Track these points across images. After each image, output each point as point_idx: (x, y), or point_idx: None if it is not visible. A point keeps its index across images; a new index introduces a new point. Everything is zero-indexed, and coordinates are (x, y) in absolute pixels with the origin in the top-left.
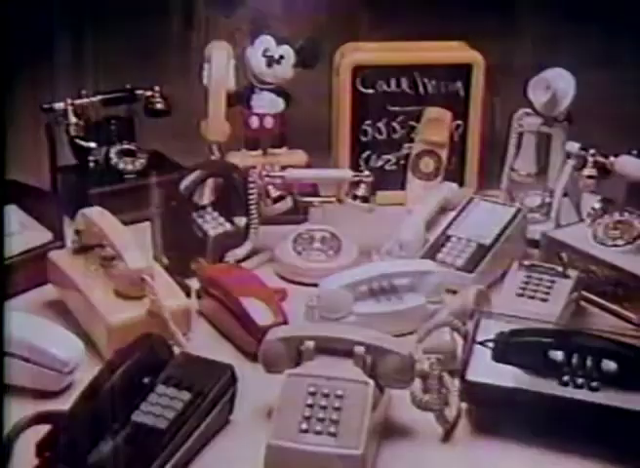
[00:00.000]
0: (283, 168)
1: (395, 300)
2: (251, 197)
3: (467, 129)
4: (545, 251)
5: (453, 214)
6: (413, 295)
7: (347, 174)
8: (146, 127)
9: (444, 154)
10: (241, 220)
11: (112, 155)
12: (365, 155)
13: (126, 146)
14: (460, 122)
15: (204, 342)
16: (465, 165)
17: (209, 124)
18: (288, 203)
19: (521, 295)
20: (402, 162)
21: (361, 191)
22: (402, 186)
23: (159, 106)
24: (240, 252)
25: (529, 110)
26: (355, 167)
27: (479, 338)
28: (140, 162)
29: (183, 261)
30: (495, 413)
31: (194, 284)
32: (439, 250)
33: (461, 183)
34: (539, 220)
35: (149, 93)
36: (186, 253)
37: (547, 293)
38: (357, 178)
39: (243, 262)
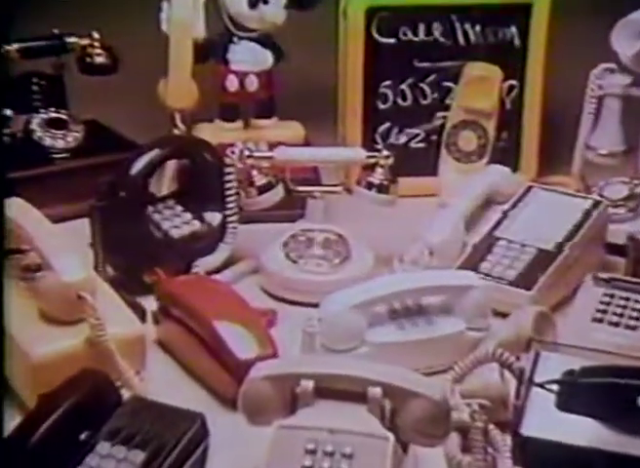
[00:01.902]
0: (272, 145)
1: (424, 326)
2: (228, 185)
3: (524, 92)
4: (634, 259)
5: (503, 208)
6: (448, 319)
7: (359, 154)
8: (82, 88)
9: (491, 126)
10: (214, 217)
11: (35, 126)
12: (383, 128)
13: (54, 115)
14: (513, 82)
15: (164, 383)
16: (521, 141)
17: (170, 85)
18: (278, 193)
19: (599, 321)
20: (434, 137)
21: (378, 177)
22: (433, 171)
23: (100, 60)
24: (213, 259)
25: (612, 66)
26: (370, 144)
27: (539, 379)
28: (74, 136)
29: (136, 273)
30: None
31: (150, 303)
32: (484, 257)
33: (516, 167)
34: (624, 218)
35: (86, 41)
36: (139, 262)
37: (637, 319)
38: (372, 160)
39: (217, 274)
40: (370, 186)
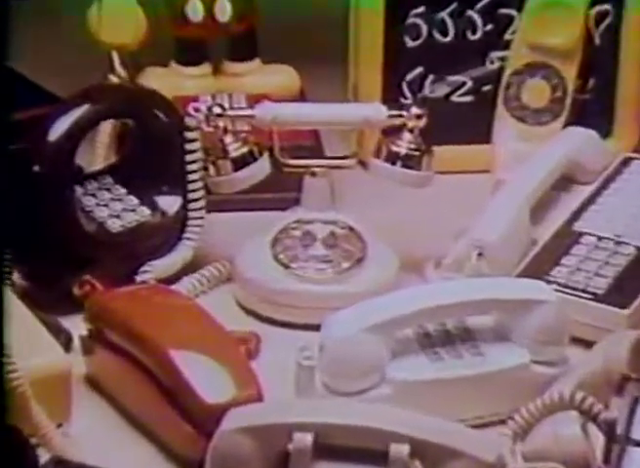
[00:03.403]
0: (253, 100)
1: (470, 358)
2: (190, 157)
3: (621, 21)
4: None
5: (588, 190)
6: (505, 349)
7: (378, 112)
8: None
9: (571, 72)
10: (171, 202)
11: None
12: (413, 75)
13: None
14: (606, 7)
15: (98, 438)
16: (616, 93)
17: (102, 12)
18: (263, 169)
19: None
20: (487, 88)
21: (405, 146)
22: (486, 136)
23: None
24: (170, 262)
25: None
26: (394, 98)
27: (638, 435)
28: None
29: (57, 282)
30: None
31: (79, 326)
32: (558, 260)
33: (607, 130)
34: None
35: None
36: (63, 267)
37: None
38: (398, 121)
39: (176, 283)
40: (394, 159)
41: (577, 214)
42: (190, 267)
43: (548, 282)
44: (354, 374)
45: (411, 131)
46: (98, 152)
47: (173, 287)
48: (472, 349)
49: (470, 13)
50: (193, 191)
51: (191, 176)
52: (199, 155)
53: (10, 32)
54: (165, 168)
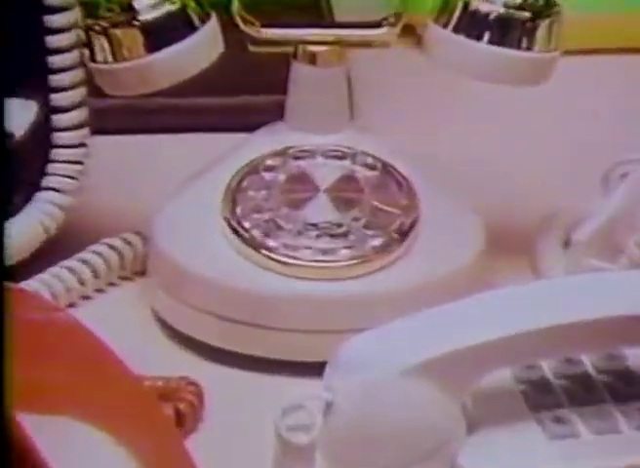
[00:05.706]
0: None
1: (634, 433)
2: (55, 20)
3: None
4: None
5: None
6: None
7: None
8: None
9: None
10: (22, 115)
11: None
12: None
13: None
14: None
15: None
16: None
17: None
18: (209, 45)
19: None
20: None
21: (496, 3)
22: None
23: None
24: (16, 234)
25: None
26: None
27: None
28: None
29: None
30: None
31: None
32: None
33: None
34: None
35: None
36: None
37: None
38: None
39: (31, 279)
40: (478, 26)
41: None
42: (61, 245)
43: None
44: (392, 459)
45: None
46: None
47: (25, 285)
48: (638, 415)
49: None
50: (63, 90)
51: (58, 60)
52: (74, 17)
53: None
54: (5, 44)
